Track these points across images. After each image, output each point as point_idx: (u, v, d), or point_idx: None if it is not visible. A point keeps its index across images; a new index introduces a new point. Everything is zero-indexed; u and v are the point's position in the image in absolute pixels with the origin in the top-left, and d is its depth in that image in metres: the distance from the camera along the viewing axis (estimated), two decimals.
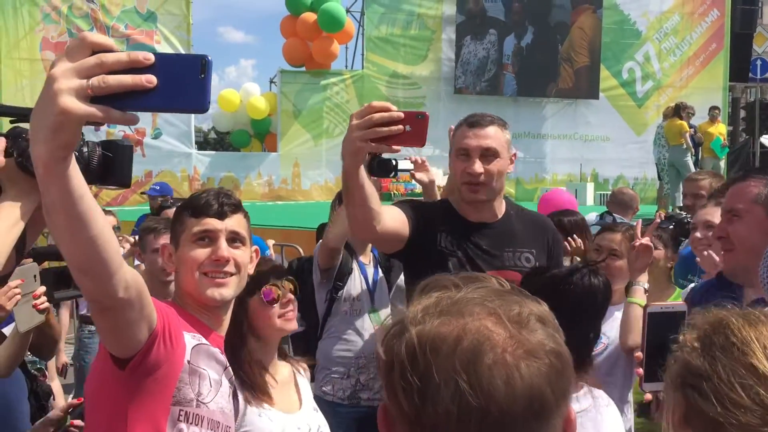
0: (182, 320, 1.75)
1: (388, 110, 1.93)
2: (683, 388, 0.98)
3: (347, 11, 15.21)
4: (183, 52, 14.24)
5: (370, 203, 2.23)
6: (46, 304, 2.23)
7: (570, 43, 16.16)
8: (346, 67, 16.26)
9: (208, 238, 1.82)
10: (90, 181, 1.64)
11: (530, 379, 0.80)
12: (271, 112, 14.96)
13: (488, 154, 2.51)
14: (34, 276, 2.16)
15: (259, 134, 15.61)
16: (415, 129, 1.90)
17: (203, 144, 28.02)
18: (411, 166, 3.56)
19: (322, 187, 14.99)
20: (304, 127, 14.90)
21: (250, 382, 2.12)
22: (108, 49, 0.99)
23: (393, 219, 2.46)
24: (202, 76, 0.97)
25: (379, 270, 3.72)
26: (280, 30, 14.93)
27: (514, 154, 2.64)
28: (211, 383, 1.75)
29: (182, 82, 0.97)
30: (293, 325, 2.25)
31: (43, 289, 2.16)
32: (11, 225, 1.45)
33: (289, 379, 2.30)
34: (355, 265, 3.64)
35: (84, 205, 1.15)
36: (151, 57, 0.97)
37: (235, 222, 1.85)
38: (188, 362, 1.68)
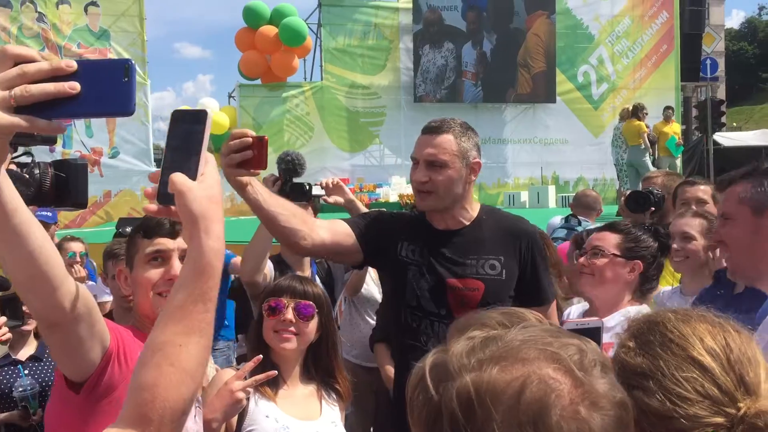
0: (138, 341, 1.72)
1: (243, 136, 2.10)
2: (627, 390, 0.99)
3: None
4: (139, 70, 14.07)
5: (281, 222, 2.32)
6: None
7: (526, 49, 16.37)
8: (305, 78, 16.22)
9: (161, 257, 1.82)
10: (43, 203, 1.59)
11: None
12: (232, 127, 14.83)
13: (435, 164, 2.49)
14: None
15: (220, 149, 15.45)
16: (258, 153, 2.08)
17: (160, 162, 27.66)
18: (322, 192, 3.51)
19: None
20: None
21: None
22: (30, 60, 0.99)
23: (332, 233, 2.48)
24: (126, 79, 0.98)
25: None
26: (236, 43, 14.81)
27: (476, 162, 2.58)
28: None
29: (106, 86, 0.98)
30: (284, 344, 2.28)
31: (3, 319, 2.11)
32: None
33: (311, 393, 2.36)
34: None
35: (18, 218, 1.14)
36: (74, 64, 0.98)
37: None
38: None
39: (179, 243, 1.84)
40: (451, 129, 2.53)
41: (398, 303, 2.62)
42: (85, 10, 13.70)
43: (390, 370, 3.67)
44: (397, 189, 14.50)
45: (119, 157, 13.86)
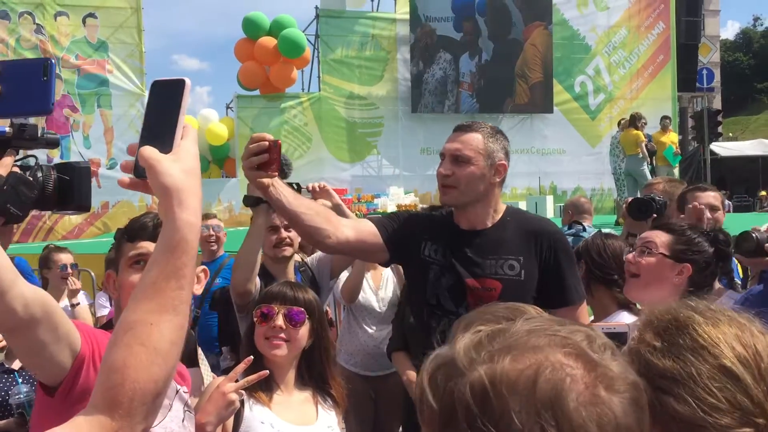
0: None
1: (262, 140, 2.24)
2: (653, 391, 0.96)
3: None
4: (137, 81, 14.10)
5: (305, 221, 2.43)
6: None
7: (524, 60, 16.43)
8: (303, 89, 16.26)
9: (144, 261, 1.79)
10: (46, 207, 1.58)
11: (621, 417, 0.74)
12: (230, 138, 14.86)
13: (460, 159, 2.56)
14: None
15: (218, 160, 15.47)
16: (272, 156, 2.23)
17: None
18: (309, 196, 3.53)
19: None
20: None
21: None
22: None
23: (356, 231, 2.59)
24: (45, 78, 0.99)
25: None
26: (235, 53, 14.86)
27: (502, 164, 2.61)
28: None
29: (27, 86, 0.99)
30: (275, 351, 2.28)
31: None
32: None
33: (306, 399, 2.35)
34: None
35: None
36: None
37: None
38: None
39: None
40: (480, 129, 2.62)
41: (419, 301, 2.69)
42: (83, 21, 13.75)
43: (412, 375, 3.69)
44: (395, 199, 14.51)
45: (117, 168, 13.86)
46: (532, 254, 2.60)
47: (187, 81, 1.06)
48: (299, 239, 3.57)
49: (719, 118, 20.02)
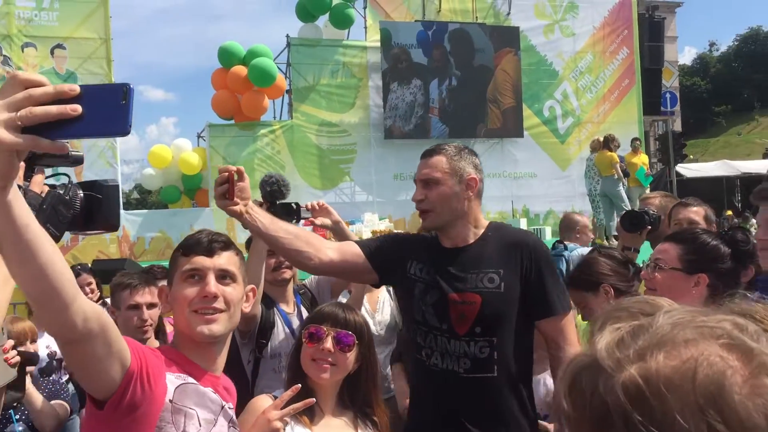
0: (165, 361, 1.74)
1: (224, 171, 2.43)
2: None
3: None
4: None
5: (284, 245, 2.52)
6: (17, 358, 2.19)
7: (495, 85, 16.64)
8: (275, 117, 16.23)
9: (198, 275, 1.84)
10: (73, 227, 1.54)
11: None
12: (203, 169, 14.72)
13: (430, 182, 2.69)
14: (2, 329, 2.06)
15: (190, 191, 15.31)
16: (230, 186, 2.41)
17: (125, 205, 27.41)
18: (309, 215, 3.56)
19: None
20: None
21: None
22: (38, 85, 1.06)
23: (340, 253, 2.68)
24: (124, 102, 1.05)
25: (304, 317, 3.52)
26: (211, 82, 14.80)
27: (472, 178, 2.71)
28: (201, 422, 1.74)
29: (106, 109, 1.05)
30: (321, 374, 2.24)
31: (11, 342, 2.09)
32: (3, 282, 1.42)
33: (346, 423, 2.31)
34: (277, 318, 3.47)
35: (30, 233, 1.17)
36: (77, 88, 1.06)
37: (224, 259, 1.87)
38: (170, 401, 1.67)
39: (216, 261, 1.85)
40: (443, 151, 2.74)
41: (408, 320, 2.79)
42: (52, 52, 13.58)
43: (400, 386, 3.76)
44: (370, 225, 14.45)
45: None
46: (512, 266, 2.65)
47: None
48: None
49: (683, 141, 20.50)
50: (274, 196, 3.47)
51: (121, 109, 1.04)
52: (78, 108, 1.04)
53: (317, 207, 3.53)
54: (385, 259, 2.74)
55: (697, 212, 3.77)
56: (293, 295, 3.62)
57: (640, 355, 0.71)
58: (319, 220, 3.49)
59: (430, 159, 2.73)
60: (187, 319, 1.81)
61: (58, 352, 3.93)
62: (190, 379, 1.76)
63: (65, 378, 3.92)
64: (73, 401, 3.61)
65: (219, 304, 1.81)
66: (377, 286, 3.17)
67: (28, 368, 3.18)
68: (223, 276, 1.85)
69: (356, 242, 2.87)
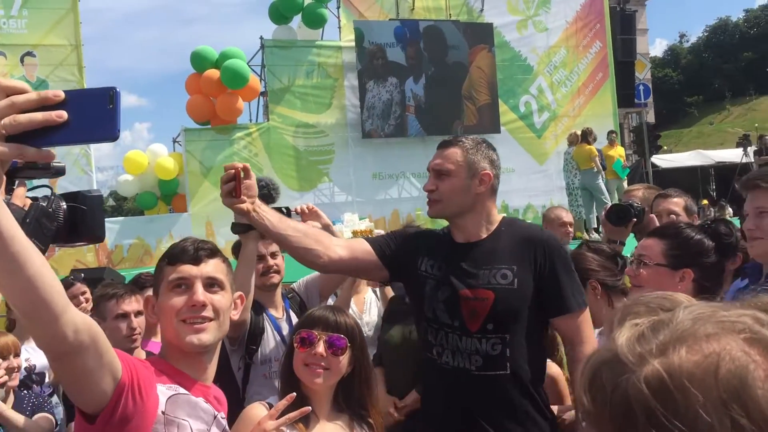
0: (155, 372, 1.71)
1: (230, 168, 2.41)
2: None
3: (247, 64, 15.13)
4: None
5: (292, 243, 2.49)
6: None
7: (470, 82, 16.67)
8: (251, 120, 16.12)
9: (185, 284, 1.81)
10: (57, 240, 1.49)
11: None
12: (179, 174, 14.57)
13: (442, 173, 2.66)
14: None
15: (166, 196, 15.14)
16: (236, 183, 2.41)
17: None
18: (299, 218, 3.52)
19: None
20: (213, 185, 14.52)
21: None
22: (21, 92, 1.03)
23: (350, 250, 2.65)
24: (111, 106, 1.01)
25: (293, 321, 3.52)
26: (186, 88, 14.66)
27: (486, 173, 2.66)
28: None
29: (92, 113, 1.01)
30: (315, 379, 2.21)
31: None
32: None
33: (341, 427, 2.28)
34: (266, 323, 3.43)
35: (17, 245, 1.15)
36: (61, 94, 1.03)
37: (211, 267, 1.84)
38: (163, 413, 1.65)
39: (203, 269, 1.82)
40: (460, 143, 2.70)
41: (419, 317, 2.72)
42: (22, 60, 13.36)
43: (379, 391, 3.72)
44: (350, 225, 14.39)
45: None
46: (526, 262, 2.60)
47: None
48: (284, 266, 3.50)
49: (657, 132, 20.73)
50: (263, 200, 3.42)
51: (108, 114, 1.01)
52: (63, 114, 1.01)
53: (307, 210, 3.50)
54: (396, 255, 2.71)
55: (677, 203, 3.79)
56: (282, 299, 3.59)
57: (662, 350, 0.71)
58: (309, 224, 3.46)
59: (445, 150, 2.70)
60: (175, 329, 1.78)
61: (38, 365, 3.86)
62: (182, 390, 1.73)
63: (48, 392, 3.84)
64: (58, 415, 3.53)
65: (207, 312, 1.78)
66: (388, 283, 3.14)
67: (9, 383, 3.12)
68: (211, 284, 1.82)
69: (366, 239, 2.83)
